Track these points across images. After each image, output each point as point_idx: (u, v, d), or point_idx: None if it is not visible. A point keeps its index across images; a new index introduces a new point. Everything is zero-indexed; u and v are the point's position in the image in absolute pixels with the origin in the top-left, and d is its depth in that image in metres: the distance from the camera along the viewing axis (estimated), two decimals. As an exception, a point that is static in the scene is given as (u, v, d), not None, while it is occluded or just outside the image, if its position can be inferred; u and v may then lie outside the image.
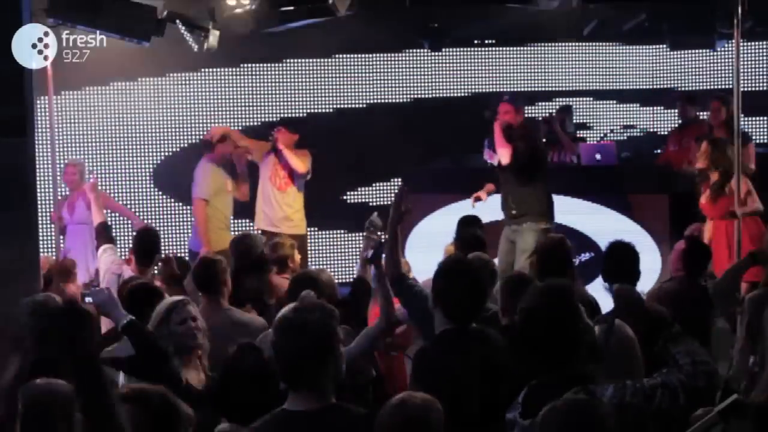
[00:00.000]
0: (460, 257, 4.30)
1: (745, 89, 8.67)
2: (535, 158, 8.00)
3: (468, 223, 7.11)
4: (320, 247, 10.86)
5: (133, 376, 4.12)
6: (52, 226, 8.51)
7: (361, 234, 10.33)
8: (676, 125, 10.50)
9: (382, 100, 11.20)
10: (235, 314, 5.34)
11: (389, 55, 11.21)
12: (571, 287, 3.30)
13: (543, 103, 11.58)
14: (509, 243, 7.96)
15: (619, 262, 5.14)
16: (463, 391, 3.82)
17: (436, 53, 11.21)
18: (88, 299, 4.54)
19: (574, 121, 11.07)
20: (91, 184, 6.93)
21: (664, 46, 11.57)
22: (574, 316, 3.14)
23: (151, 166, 10.40)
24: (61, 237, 8.53)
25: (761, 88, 11.28)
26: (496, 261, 6.91)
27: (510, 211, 8.00)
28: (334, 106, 10.99)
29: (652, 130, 11.78)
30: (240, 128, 10.69)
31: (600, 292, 6.14)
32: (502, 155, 7.95)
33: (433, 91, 11.35)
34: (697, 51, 11.64)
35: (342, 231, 10.90)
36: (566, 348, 3.11)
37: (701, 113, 10.03)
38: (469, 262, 4.32)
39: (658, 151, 10.65)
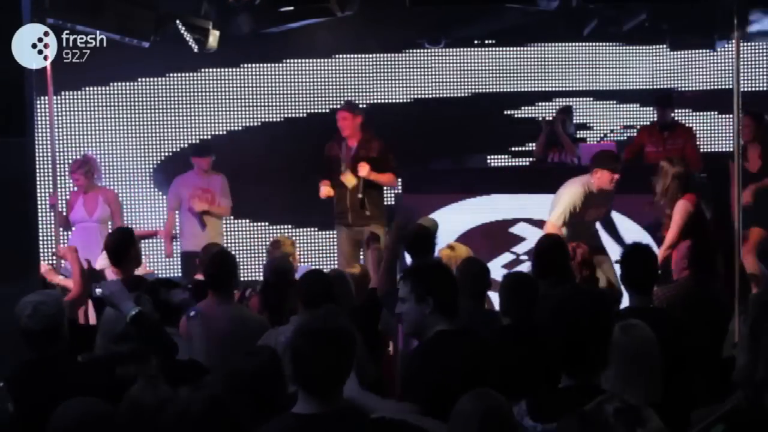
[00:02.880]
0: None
1: (745, 89, 8.67)
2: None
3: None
4: (321, 247, 10.86)
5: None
6: (52, 225, 8.49)
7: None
8: (650, 122, 10.48)
9: (382, 100, 11.19)
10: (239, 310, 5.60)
11: (389, 55, 11.20)
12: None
13: (543, 103, 11.58)
14: (353, 245, 8.72)
15: (639, 267, 5.14)
16: (458, 389, 3.81)
17: (436, 52, 11.22)
18: (98, 290, 4.52)
19: (575, 121, 11.07)
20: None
21: (664, 46, 11.56)
22: (611, 327, 3.21)
23: (151, 166, 10.40)
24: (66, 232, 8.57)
25: (761, 88, 11.28)
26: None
27: (364, 212, 8.65)
28: (335, 106, 10.98)
29: (652, 130, 11.77)
30: (240, 128, 10.72)
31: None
32: (391, 182, 8.80)
33: (433, 91, 11.35)
34: (697, 51, 11.63)
35: (342, 231, 10.89)
36: (598, 358, 3.17)
37: (702, 113, 10.04)
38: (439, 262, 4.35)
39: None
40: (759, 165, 8.63)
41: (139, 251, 6.58)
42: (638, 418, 2.72)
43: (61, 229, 8.34)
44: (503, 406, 3.18)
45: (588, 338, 3.13)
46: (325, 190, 8.87)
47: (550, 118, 10.45)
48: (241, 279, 9.21)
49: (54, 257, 7.21)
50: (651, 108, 11.60)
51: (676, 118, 10.25)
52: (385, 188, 9.11)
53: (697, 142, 10.01)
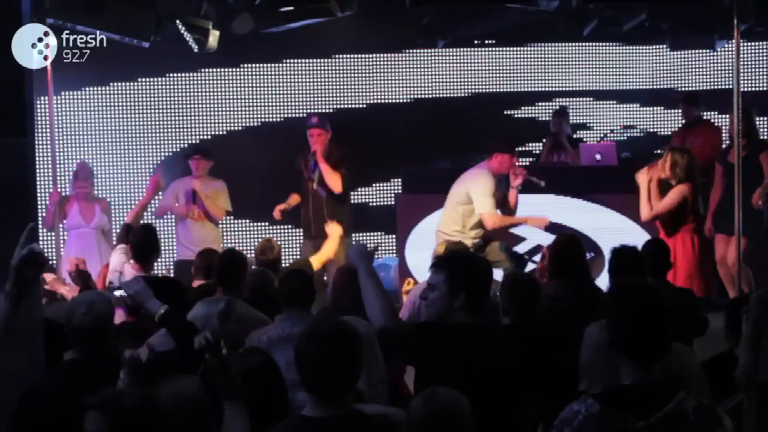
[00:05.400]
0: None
1: (745, 89, 8.66)
2: (351, 180, 8.58)
3: None
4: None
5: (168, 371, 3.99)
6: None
7: (361, 234, 10.43)
8: (680, 125, 10.48)
9: (382, 100, 11.20)
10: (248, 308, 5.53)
11: (389, 55, 11.20)
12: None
13: (543, 103, 11.59)
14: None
15: (626, 267, 5.16)
16: (468, 381, 3.80)
17: (436, 52, 11.23)
18: (117, 292, 4.49)
19: (575, 121, 11.10)
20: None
21: (664, 46, 11.57)
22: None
23: (151, 166, 10.40)
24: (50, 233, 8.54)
25: (761, 88, 11.28)
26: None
27: (323, 224, 8.28)
28: (334, 106, 10.99)
29: (652, 130, 11.78)
30: (240, 128, 10.72)
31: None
32: (335, 184, 8.38)
33: (433, 91, 11.35)
34: (697, 51, 11.63)
35: (342, 231, 10.89)
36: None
37: (704, 113, 10.00)
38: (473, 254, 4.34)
39: (659, 151, 10.63)
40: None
41: (160, 248, 6.66)
42: (715, 416, 2.91)
43: (44, 229, 8.34)
44: (457, 406, 3.13)
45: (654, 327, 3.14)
46: (293, 199, 8.76)
47: (555, 131, 10.50)
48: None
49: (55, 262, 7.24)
50: (651, 108, 11.64)
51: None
52: (347, 202, 8.77)
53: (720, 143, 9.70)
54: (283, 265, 7.17)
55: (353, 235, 9.11)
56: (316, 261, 7.38)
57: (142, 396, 3.17)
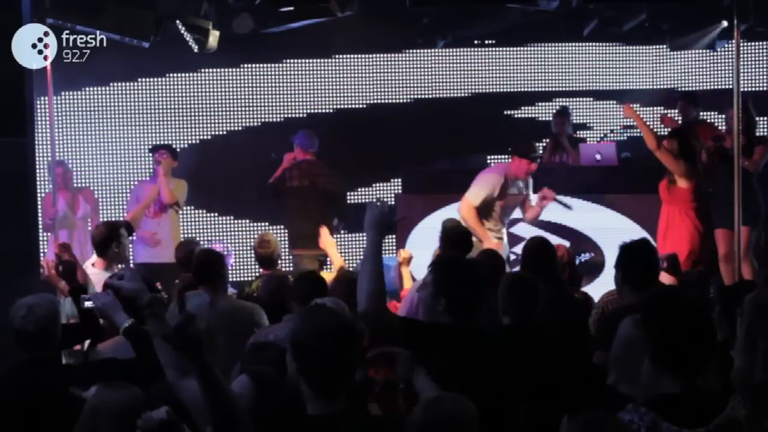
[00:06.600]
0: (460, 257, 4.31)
1: (745, 89, 8.67)
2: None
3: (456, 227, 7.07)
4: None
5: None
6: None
7: (361, 234, 10.42)
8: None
9: (382, 100, 11.19)
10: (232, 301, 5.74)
11: (389, 55, 11.21)
12: None
13: (543, 103, 11.59)
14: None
15: (640, 265, 5.08)
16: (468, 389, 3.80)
17: (436, 52, 11.23)
18: (87, 303, 4.48)
19: (575, 121, 11.10)
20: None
21: (664, 46, 11.57)
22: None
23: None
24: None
25: (761, 88, 11.28)
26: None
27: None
28: (334, 106, 10.99)
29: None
30: (240, 128, 10.72)
31: (601, 290, 6.15)
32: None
33: (433, 91, 11.35)
34: (697, 51, 11.64)
35: (341, 231, 10.88)
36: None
37: (702, 113, 10.01)
38: (468, 259, 4.33)
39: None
40: None
41: (123, 247, 6.57)
42: (763, 427, 3.08)
43: (44, 231, 8.33)
44: (459, 415, 3.09)
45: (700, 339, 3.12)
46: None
47: (556, 132, 10.52)
48: (241, 279, 9.28)
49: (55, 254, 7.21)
50: (651, 108, 11.63)
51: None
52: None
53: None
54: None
55: (352, 235, 9.14)
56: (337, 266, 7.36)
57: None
